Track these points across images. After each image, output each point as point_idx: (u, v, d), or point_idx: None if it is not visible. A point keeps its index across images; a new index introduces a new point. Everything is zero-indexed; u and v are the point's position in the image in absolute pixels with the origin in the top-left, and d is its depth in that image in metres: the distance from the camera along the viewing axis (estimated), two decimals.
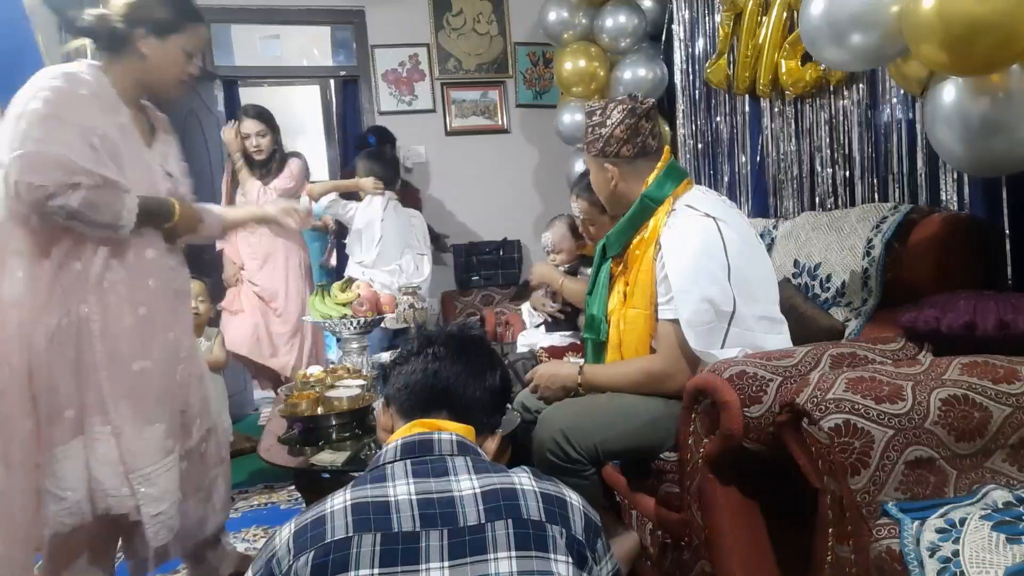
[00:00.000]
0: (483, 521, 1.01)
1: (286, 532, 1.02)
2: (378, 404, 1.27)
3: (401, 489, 1.03)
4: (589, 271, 2.84)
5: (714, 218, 1.85)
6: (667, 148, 2.02)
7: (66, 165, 1.60)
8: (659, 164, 1.97)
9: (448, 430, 1.14)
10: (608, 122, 1.95)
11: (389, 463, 1.10)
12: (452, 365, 1.21)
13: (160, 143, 1.92)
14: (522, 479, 1.07)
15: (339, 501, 1.02)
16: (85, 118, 1.68)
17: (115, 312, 1.72)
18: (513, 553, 0.99)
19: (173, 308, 1.88)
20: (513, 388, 2.26)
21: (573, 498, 1.09)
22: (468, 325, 1.36)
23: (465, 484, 1.05)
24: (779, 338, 1.86)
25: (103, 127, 1.70)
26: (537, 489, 1.06)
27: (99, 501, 1.70)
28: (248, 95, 5.18)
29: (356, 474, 1.84)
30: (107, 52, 1.81)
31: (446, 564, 0.97)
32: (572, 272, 2.95)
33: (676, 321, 1.80)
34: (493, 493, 1.04)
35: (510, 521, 1.01)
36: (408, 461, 1.09)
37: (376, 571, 0.95)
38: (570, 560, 1.01)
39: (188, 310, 1.99)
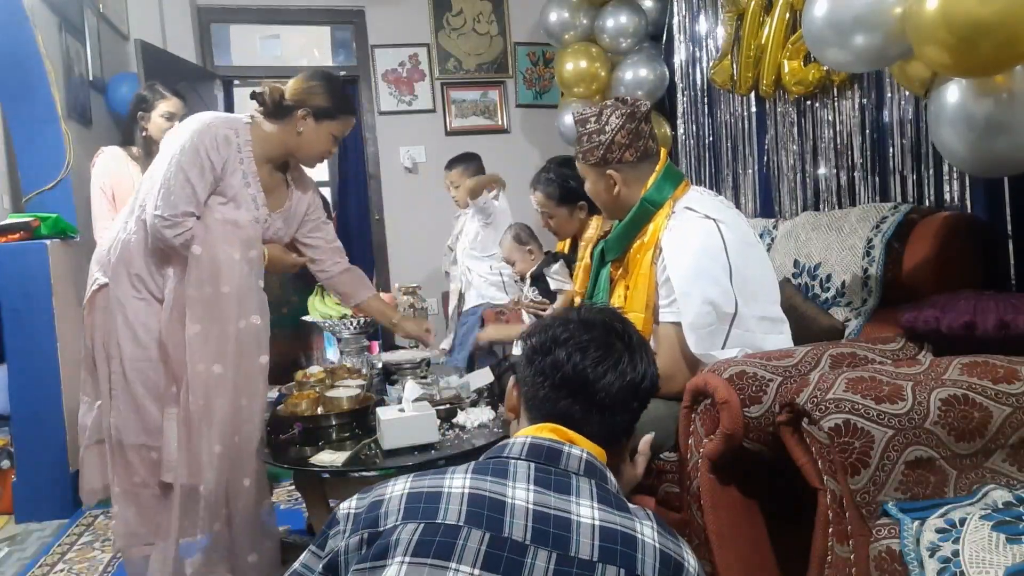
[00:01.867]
0: (595, 560, 0.95)
1: (400, 488, 1.00)
2: (511, 381, 1.21)
3: (520, 494, 0.99)
4: (554, 270, 2.81)
5: (714, 219, 1.84)
6: (663, 150, 2.01)
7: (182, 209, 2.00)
8: (657, 167, 1.96)
9: (580, 445, 1.08)
10: (607, 128, 1.92)
11: (514, 459, 1.05)
12: (613, 381, 1.13)
13: (294, 198, 2.25)
14: (644, 529, 1.00)
15: (458, 484, 0.99)
16: (205, 171, 2.03)
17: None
18: None
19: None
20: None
21: (691, 563, 1.03)
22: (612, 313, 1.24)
23: (585, 511, 0.99)
24: (780, 338, 1.86)
25: (221, 174, 2.06)
26: (658, 546, 0.99)
27: None
28: (248, 95, 5.17)
29: (355, 474, 1.87)
30: (266, 117, 2.16)
31: None
32: (539, 275, 2.92)
33: (677, 324, 1.80)
34: (612, 533, 0.98)
35: (622, 571, 0.95)
36: (532, 464, 1.04)
37: (477, 572, 0.92)
38: None
39: None
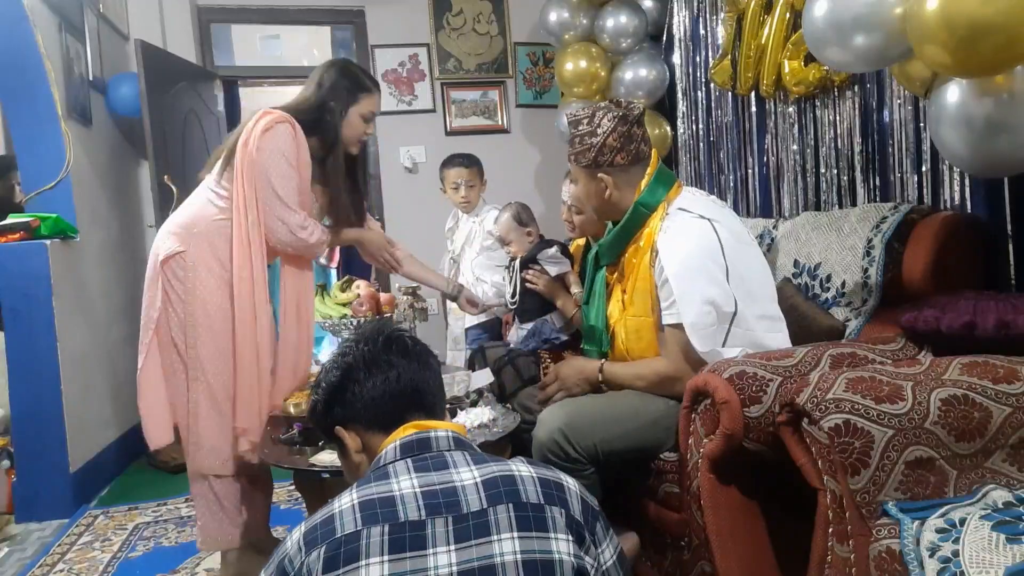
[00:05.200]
0: (485, 506, 1.05)
1: (296, 534, 1.06)
2: (339, 430, 1.27)
3: (405, 484, 1.07)
4: (550, 255, 2.68)
5: (708, 219, 1.85)
6: (655, 152, 2.00)
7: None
8: (648, 170, 1.95)
9: (440, 428, 1.19)
10: (599, 131, 1.91)
11: (391, 463, 1.13)
12: (408, 364, 1.25)
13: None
14: (519, 467, 1.12)
15: (346, 501, 1.06)
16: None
17: None
18: (515, 534, 1.03)
19: None
20: (513, 386, 2.27)
21: (569, 482, 1.14)
22: (386, 323, 1.36)
23: (466, 475, 1.09)
24: (779, 336, 1.86)
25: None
26: (535, 475, 1.11)
27: None
28: (248, 95, 5.18)
29: None
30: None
31: (452, 547, 1.01)
32: (530, 259, 2.73)
33: (679, 325, 1.80)
34: (493, 480, 1.08)
35: (511, 505, 1.06)
36: (409, 459, 1.13)
37: (386, 558, 0.99)
38: (570, 538, 1.06)
39: None
